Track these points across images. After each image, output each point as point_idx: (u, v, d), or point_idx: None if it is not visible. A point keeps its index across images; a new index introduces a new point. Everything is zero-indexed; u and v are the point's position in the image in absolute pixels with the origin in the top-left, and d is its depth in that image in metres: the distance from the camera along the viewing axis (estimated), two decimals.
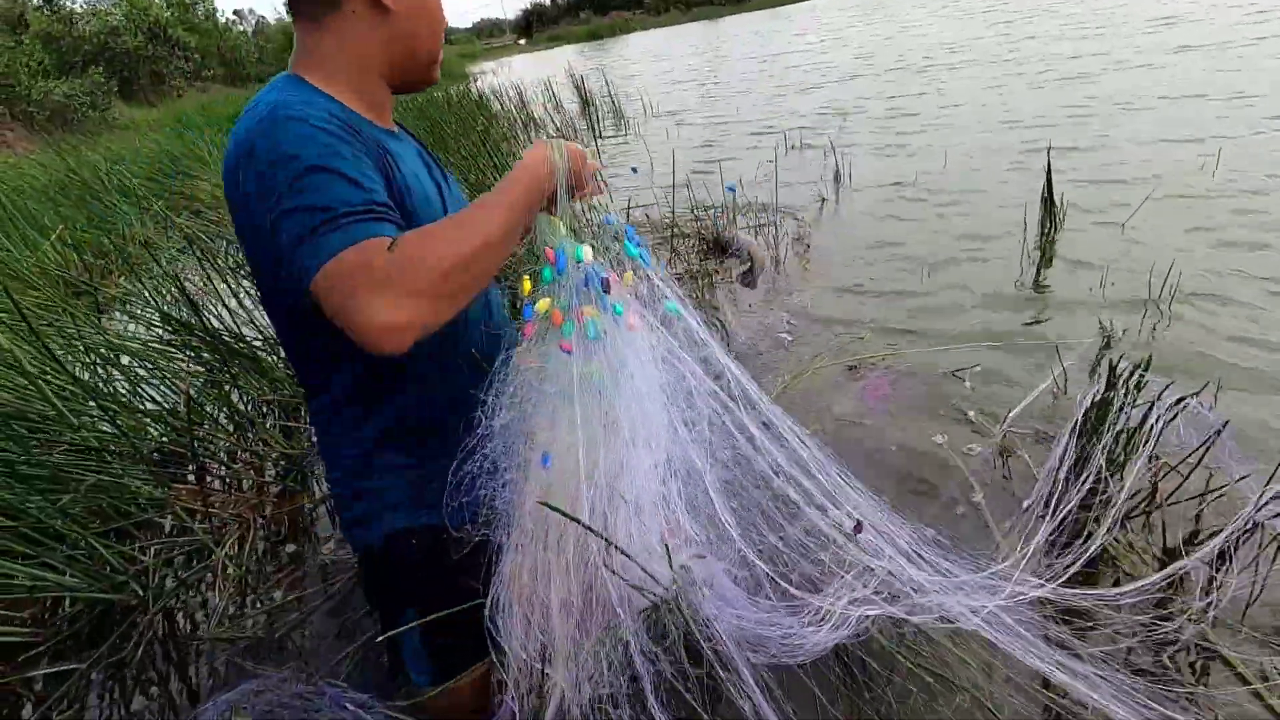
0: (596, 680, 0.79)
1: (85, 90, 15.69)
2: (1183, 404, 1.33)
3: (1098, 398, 1.35)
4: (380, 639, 0.96)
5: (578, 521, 0.75)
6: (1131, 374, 1.32)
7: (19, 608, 1.50)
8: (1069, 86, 5.17)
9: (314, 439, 0.92)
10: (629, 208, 3.22)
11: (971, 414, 1.75)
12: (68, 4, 21.86)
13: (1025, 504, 1.37)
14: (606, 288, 0.75)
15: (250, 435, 2.04)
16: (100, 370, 2.03)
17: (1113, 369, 1.34)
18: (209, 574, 1.62)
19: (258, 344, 2.26)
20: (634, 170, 4.43)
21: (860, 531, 0.85)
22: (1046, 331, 2.06)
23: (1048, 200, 2.64)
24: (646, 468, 0.78)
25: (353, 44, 0.78)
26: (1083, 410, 1.39)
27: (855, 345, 2.17)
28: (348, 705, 1.10)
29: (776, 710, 0.80)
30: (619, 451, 0.76)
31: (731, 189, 3.31)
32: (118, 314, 2.95)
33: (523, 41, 63.41)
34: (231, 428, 2.06)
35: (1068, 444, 1.37)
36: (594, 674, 0.80)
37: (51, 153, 7.43)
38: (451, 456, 0.81)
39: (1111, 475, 1.30)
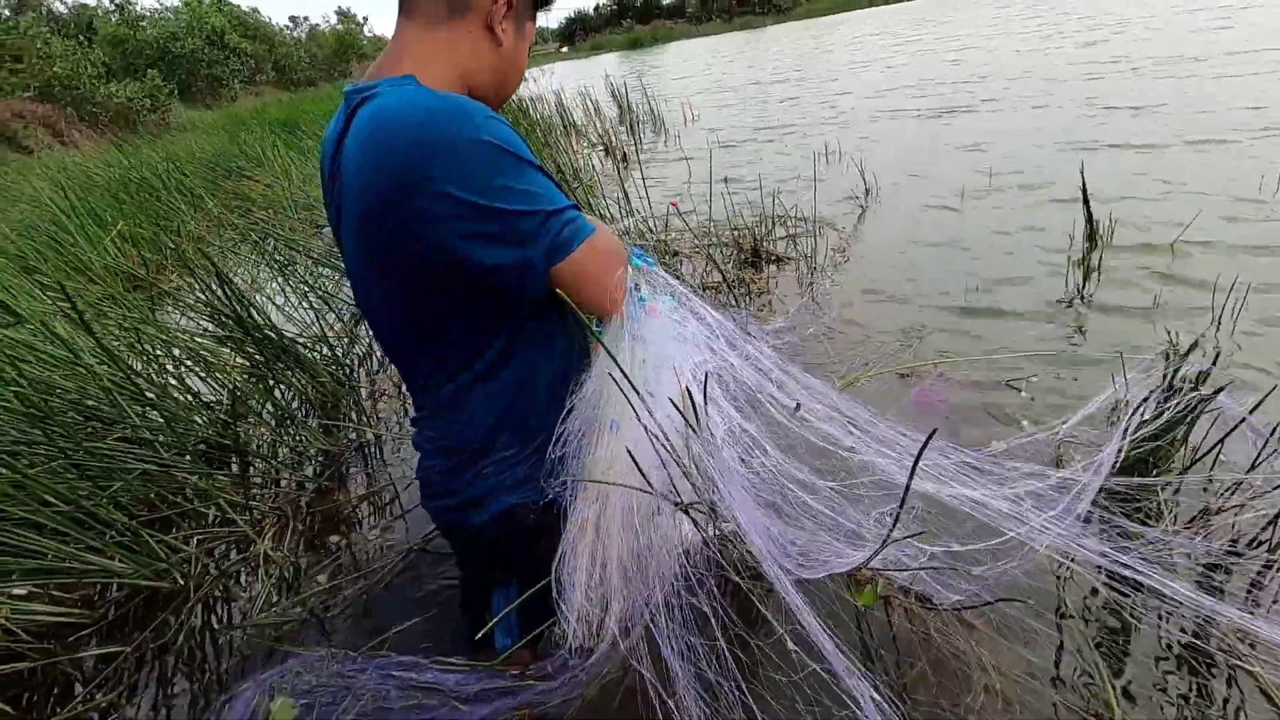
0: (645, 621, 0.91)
1: (146, 93, 16.38)
2: (1221, 392, 1.27)
3: (1153, 399, 1.30)
4: (463, 610, 1.17)
5: (642, 480, 0.84)
6: (1196, 381, 1.27)
7: (70, 590, 1.55)
8: (1116, 97, 5.01)
9: (420, 425, 1.01)
10: (667, 215, 3.23)
11: (1026, 424, 1.70)
12: (137, 8, 22.84)
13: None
14: (637, 288, 0.94)
15: (291, 431, 2.09)
16: (152, 362, 2.10)
17: (1168, 357, 1.28)
18: (247, 565, 1.66)
19: (302, 342, 2.32)
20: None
21: (799, 409, 0.94)
22: (1103, 344, 1.99)
23: (1088, 214, 2.56)
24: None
25: (462, 55, 0.87)
26: (1134, 411, 1.34)
27: (905, 354, 2.12)
28: (393, 673, 1.12)
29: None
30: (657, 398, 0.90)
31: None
32: (170, 308, 3.05)
33: (565, 49, 64.18)
34: (274, 423, 2.12)
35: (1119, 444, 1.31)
36: (644, 616, 0.92)
37: (114, 152, 7.76)
38: (554, 432, 0.92)
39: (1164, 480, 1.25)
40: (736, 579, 0.94)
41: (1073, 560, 0.96)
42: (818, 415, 0.94)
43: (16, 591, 1.45)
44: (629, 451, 0.84)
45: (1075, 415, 1.34)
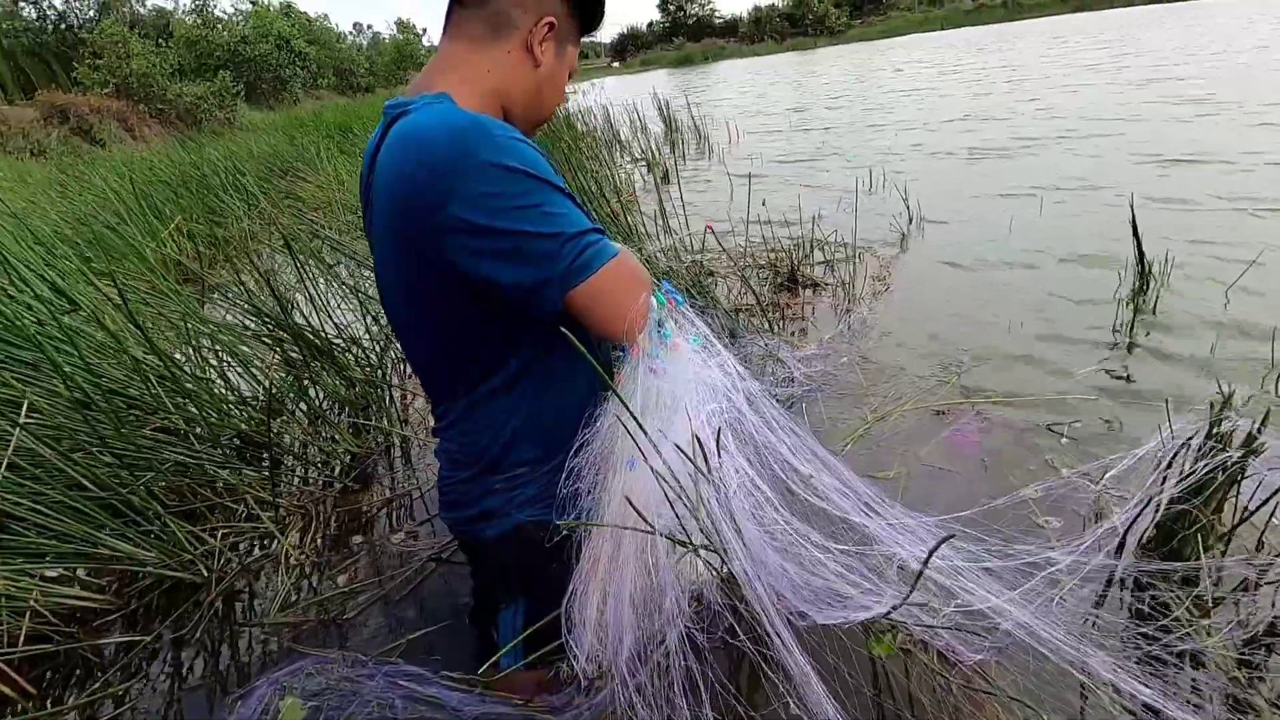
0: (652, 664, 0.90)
1: (213, 92, 17.08)
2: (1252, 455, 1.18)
3: (1182, 461, 1.22)
4: (471, 623, 1.17)
5: (645, 522, 0.85)
6: (1247, 441, 1.19)
7: (97, 575, 1.59)
8: (1174, 136, 4.85)
9: (440, 435, 1.02)
10: (704, 235, 3.21)
11: (1065, 472, 1.63)
12: (214, 10, 23.91)
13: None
14: (661, 324, 0.91)
15: (323, 431, 2.13)
16: (195, 355, 2.16)
17: (1212, 408, 1.21)
18: (269, 561, 1.68)
19: (338, 342, 2.37)
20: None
21: (811, 478, 0.91)
22: (1152, 393, 1.90)
23: (1140, 256, 2.47)
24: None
25: (500, 75, 0.88)
26: (1165, 464, 1.26)
27: (941, 390, 2.06)
28: (400, 681, 1.12)
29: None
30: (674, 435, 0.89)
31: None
32: (218, 302, 3.14)
33: (616, 64, 64.95)
34: (305, 421, 2.15)
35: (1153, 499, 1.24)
36: (650, 657, 0.90)
37: (179, 148, 8.09)
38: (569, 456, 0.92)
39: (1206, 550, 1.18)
40: (745, 645, 0.91)
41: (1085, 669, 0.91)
42: (828, 487, 0.91)
43: (48, 573, 1.49)
44: (628, 499, 0.82)
45: (1114, 468, 1.27)
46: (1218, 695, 1.06)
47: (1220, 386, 1.70)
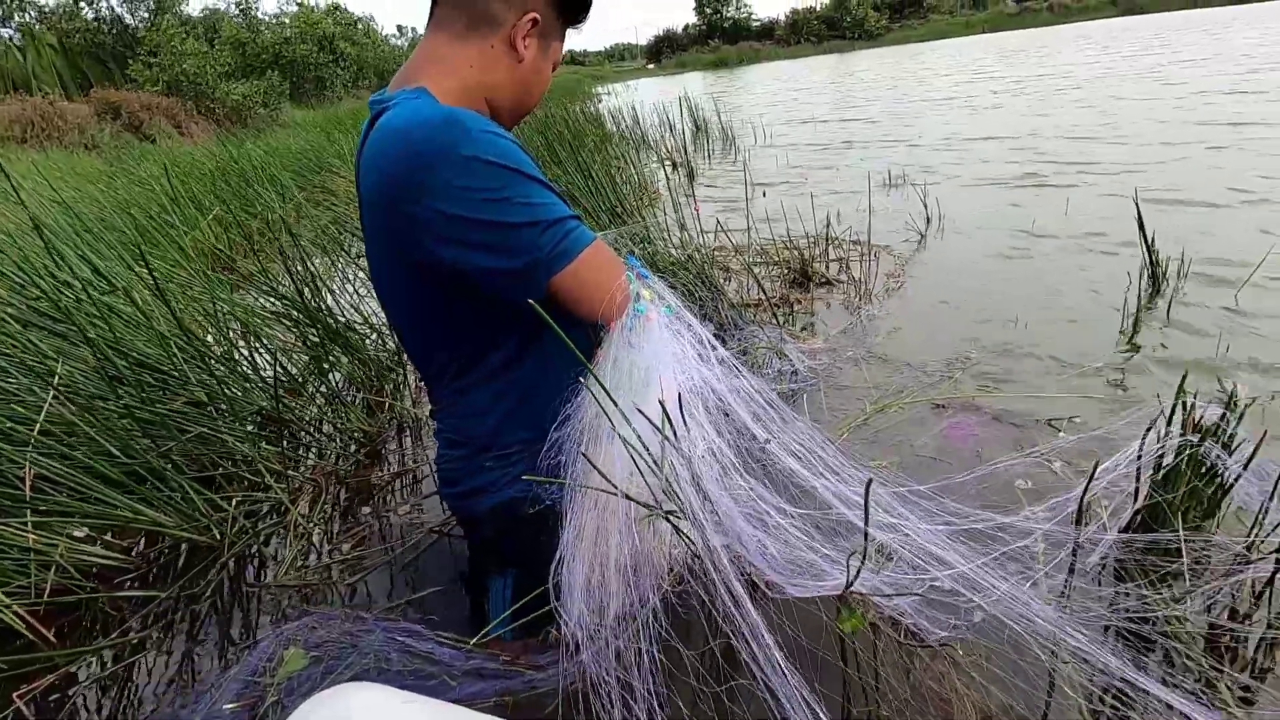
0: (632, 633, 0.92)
1: (260, 91, 17.57)
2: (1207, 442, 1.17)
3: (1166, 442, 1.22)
4: (466, 590, 1.26)
5: (605, 481, 0.89)
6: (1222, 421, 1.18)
7: (120, 536, 1.69)
8: (1207, 142, 4.71)
9: (436, 418, 1.07)
10: (715, 231, 3.24)
11: (1057, 466, 1.63)
12: (258, 13, 24.57)
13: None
14: (637, 298, 0.93)
15: (338, 410, 2.21)
16: (222, 337, 2.26)
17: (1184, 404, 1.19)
18: (281, 529, 1.76)
19: (358, 326, 2.46)
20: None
21: (769, 442, 0.93)
22: (1153, 391, 1.89)
23: (1149, 257, 2.44)
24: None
25: (481, 70, 0.90)
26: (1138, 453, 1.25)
27: (943, 385, 2.06)
28: (396, 637, 1.19)
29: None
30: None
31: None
32: (250, 289, 3.27)
33: (651, 66, 65.04)
34: (322, 401, 2.24)
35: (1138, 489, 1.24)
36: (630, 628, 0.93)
37: (220, 144, 8.37)
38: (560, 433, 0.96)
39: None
40: (716, 614, 0.93)
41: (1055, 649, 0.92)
42: (788, 451, 0.94)
43: (75, 534, 1.59)
44: (586, 457, 0.85)
45: (1102, 464, 1.28)
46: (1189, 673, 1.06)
47: (1221, 384, 1.69)
